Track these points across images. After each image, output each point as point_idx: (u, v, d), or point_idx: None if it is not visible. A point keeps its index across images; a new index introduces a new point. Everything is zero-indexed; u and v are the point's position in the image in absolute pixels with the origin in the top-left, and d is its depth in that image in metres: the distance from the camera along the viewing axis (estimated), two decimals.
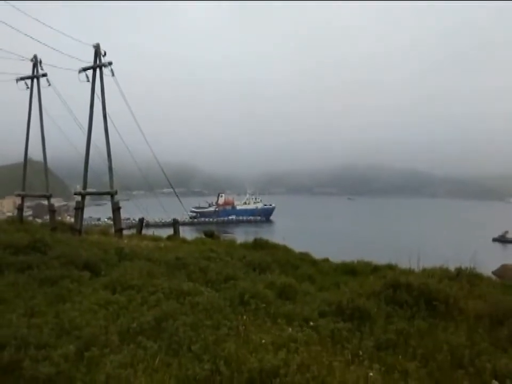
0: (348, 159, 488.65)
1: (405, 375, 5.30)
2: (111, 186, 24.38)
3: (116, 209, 24.32)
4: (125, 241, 19.39)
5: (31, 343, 5.53)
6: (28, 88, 26.68)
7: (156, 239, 23.10)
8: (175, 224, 29.12)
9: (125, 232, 26.33)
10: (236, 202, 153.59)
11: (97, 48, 24.14)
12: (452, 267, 11.22)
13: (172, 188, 32.73)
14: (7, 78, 25.53)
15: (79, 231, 23.61)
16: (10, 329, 5.90)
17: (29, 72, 26.51)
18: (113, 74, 24.08)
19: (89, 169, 25.28)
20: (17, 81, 26.64)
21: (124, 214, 26.72)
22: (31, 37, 22.07)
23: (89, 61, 24.32)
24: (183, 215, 61.40)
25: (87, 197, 26.58)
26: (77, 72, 24.41)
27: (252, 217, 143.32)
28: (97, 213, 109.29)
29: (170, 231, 28.82)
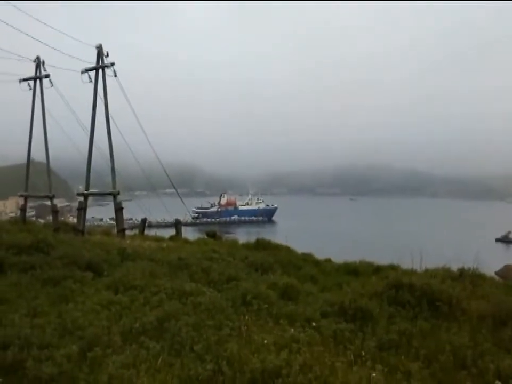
0: (348, 159, 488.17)
1: (407, 376, 5.29)
2: (114, 187, 24.42)
3: (119, 209, 24.37)
4: (128, 241, 19.42)
5: (34, 343, 5.54)
6: (30, 89, 26.76)
7: (158, 239, 23.13)
8: (177, 224, 29.15)
9: (128, 232, 26.39)
10: (238, 203, 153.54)
11: (99, 49, 24.18)
12: (454, 267, 11.19)
13: (174, 188, 32.77)
14: (8, 78, 25.59)
15: (82, 232, 23.65)
16: (13, 329, 5.92)
17: (30, 72, 26.59)
18: (115, 75, 24.13)
19: (91, 170, 25.32)
20: (20, 82, 26.71)
21: (126, 215, 26.76)
22: (32, 37, 22.13)
23: (91, 61, 24.36)
24: (185, 216, 61.46)
25: (90, 198, 26.64)
26: (79, 72, 24.46)
27: (254, 218, 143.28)
28: (100, 213, 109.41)
29: (172, 232, 28.85)
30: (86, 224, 26.07)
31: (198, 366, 5.12)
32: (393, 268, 13.08)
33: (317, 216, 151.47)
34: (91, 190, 26.26)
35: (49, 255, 11.20)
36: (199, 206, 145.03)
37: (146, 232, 29.53)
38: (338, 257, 16.90)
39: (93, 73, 24.46)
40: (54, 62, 25.89)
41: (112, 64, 24.15)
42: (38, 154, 29.02)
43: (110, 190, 24.73)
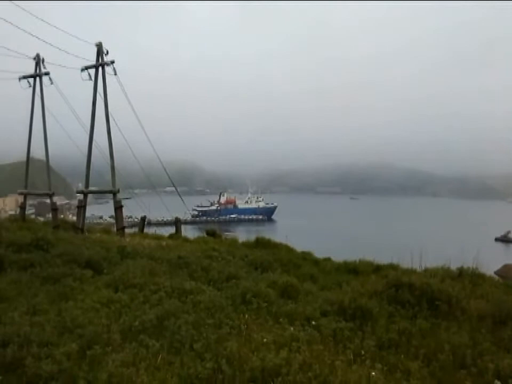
0: (349, 158, 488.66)
1: (407, 375, 5.29)
2: (113, 185, 24.39)
3: (118, 207, 24.33)
4: (127, 239, 19.40)
5: (34, 341, 5.54)
6: (30, 86, 26.71)
7: (158, 237, 23.10)
8: (177, 222, 29.13)
9: (127, 230, 26.35)
10: (237, 201, 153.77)
11: (99, 47, 24.11)
12: (454, 267, 11.20)
13: (174, 186, 32.76)
14: (8, 76, 25.53)
15: (82, 230, 23.62)
16: (12, 327, 5.91)
17: (30, 70, 26.53)
18: (115, 73, 24.07)
19: (91, 168, 25.29)
20: (19, 80, 26.66)
21: (126, 213, 26.75)
22: (31, 35, 22.02)
23: (91, 60, 24.31)
24: (185, 214, 61.44)
25: (90, 196, 26.61)
26: (79, 70, 24.41)
27: (253, 216, 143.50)
28: (100, 211, 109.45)
29: (172, 230, 28.85)
30: (85, 222, 26.03)
31: (197, 364, 5.12)
32: (393, 267, 13.05)
33: (317, 215, 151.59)
34: (91, 188, 26.22)
35: (48, 253, 11.20)
36: (199, 204, 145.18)
37: (146, 230, 29.50)
38: (338, 256, 16.88)
39: (92, 71, 24.42)
40: (54, 60, 25.85)
41: (112, 62, 24.08)
42: (37, 152, 29.00)
43: (110, 188, 24.71)
